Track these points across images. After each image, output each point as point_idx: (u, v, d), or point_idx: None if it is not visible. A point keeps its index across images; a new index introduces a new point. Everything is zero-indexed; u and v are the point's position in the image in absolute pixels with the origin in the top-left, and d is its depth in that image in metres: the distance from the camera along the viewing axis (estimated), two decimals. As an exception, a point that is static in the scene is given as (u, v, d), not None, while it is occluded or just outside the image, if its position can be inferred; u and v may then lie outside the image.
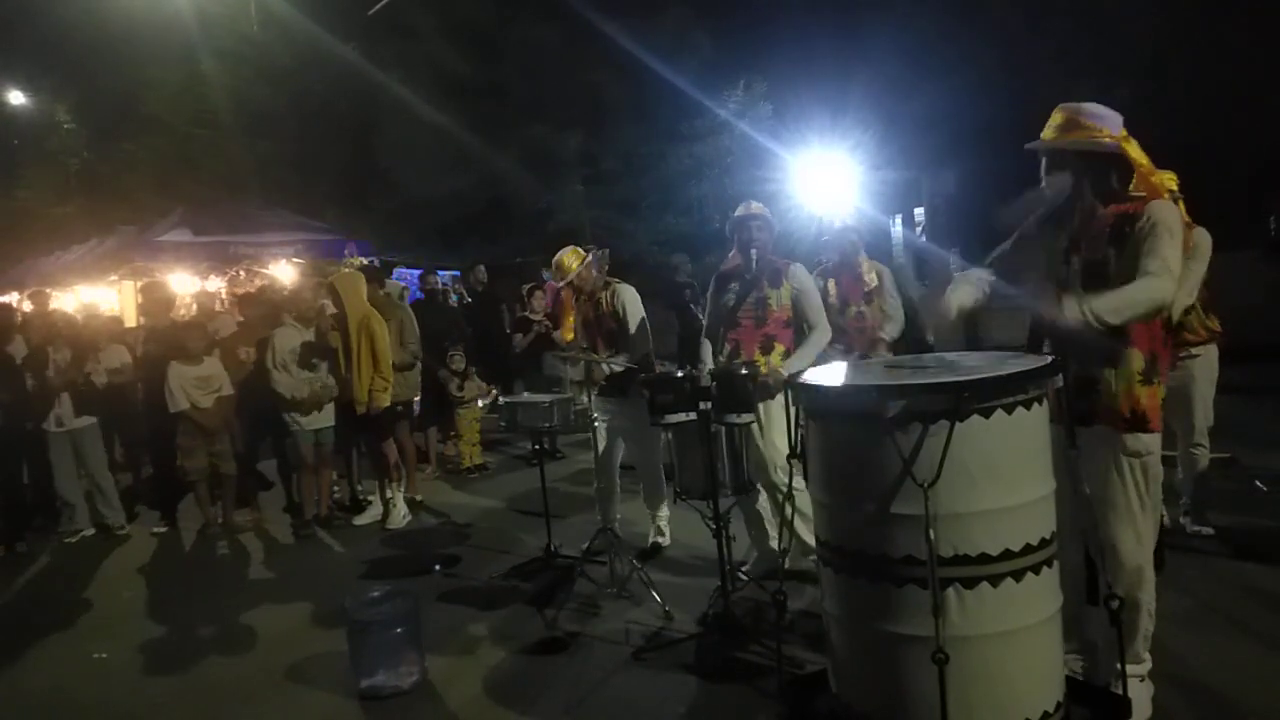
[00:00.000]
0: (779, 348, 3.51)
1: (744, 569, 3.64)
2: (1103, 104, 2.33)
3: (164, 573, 4.82)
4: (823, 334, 3.53)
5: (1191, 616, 2.90)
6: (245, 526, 5.46)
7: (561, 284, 4.20)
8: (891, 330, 4.43)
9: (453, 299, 8.96)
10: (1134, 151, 2.29)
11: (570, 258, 4.13)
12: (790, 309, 3.54)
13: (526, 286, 7.28)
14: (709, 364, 3.54)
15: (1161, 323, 2.26)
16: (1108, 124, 2.27)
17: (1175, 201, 3.44)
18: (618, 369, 3.88)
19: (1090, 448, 2.22)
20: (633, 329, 4.02)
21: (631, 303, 4.06)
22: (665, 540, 4.29)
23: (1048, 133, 2.33)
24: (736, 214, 3.62)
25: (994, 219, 2.36)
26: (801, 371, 2.47)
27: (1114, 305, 2.10)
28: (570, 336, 4.41)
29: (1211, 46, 8.75)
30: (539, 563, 4.10)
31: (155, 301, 5.82)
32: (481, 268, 8.18)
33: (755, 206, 3.62)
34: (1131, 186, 2.33)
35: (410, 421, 5.92)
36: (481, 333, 7.39)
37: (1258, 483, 4.33)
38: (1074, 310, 2.09)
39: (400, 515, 5.29)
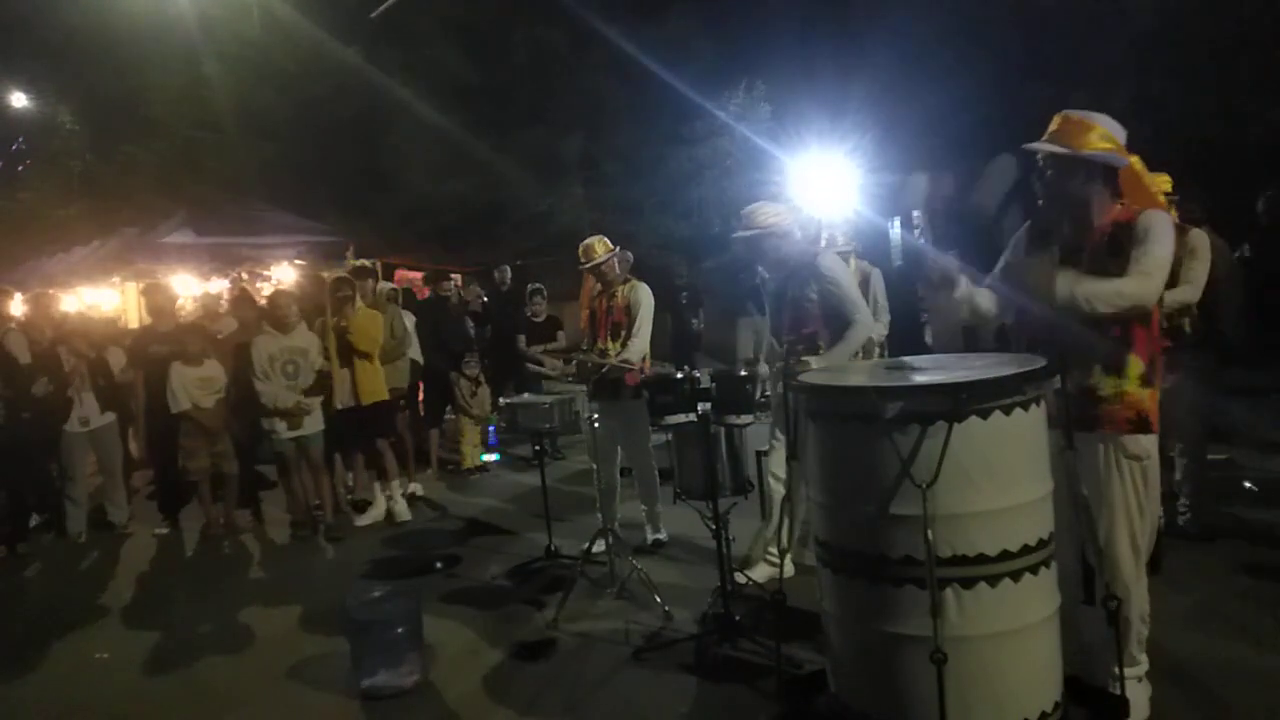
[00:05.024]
0: (824, 344, 3.44)
1: (771, 555, 3.60)
2: (1097, 108, 2.34)
3: (165, 573, 4.83)
4: (860, 329, 3.33)
5: (1189, 616, 2.91)
6: (247, 527, 5.47)
7: (585, 267, 4.24)
8: (878, 329, 4.54)
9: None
10: (1138, 164, 2.31)
11: (598, 245, 4.22)
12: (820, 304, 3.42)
13: (531, 287, 7.31)
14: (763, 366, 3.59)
15: (1158, 326, 2.28)
16: (1120, 137, 2.28)
17: (1170, 206, 3.49)
18: (610, 366, 3.91)
19: (1089, 450, 2.24)
20: (637, 327, 4.06)
21: (645, 301, 4.12)
22: (663, 536, 4.31)
23: (1066, 140, 2.26)
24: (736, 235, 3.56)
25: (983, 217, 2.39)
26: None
27: (1100, 293, 2.14)
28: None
29: (1208, 49, 8.78)
30: (539, 563, 4.11)
31: (161, 304, 5.85)
32: (507, 268, 8.24)
33: (755, 216, 3.47)
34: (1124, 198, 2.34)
35: (413, 417, 5.96)
36: (502, 332, 7.43)
37: (1246, 484, 4.35)
38: (1065, 289, 2.11)
39: (402, 511, 5.32)
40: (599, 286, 4.30)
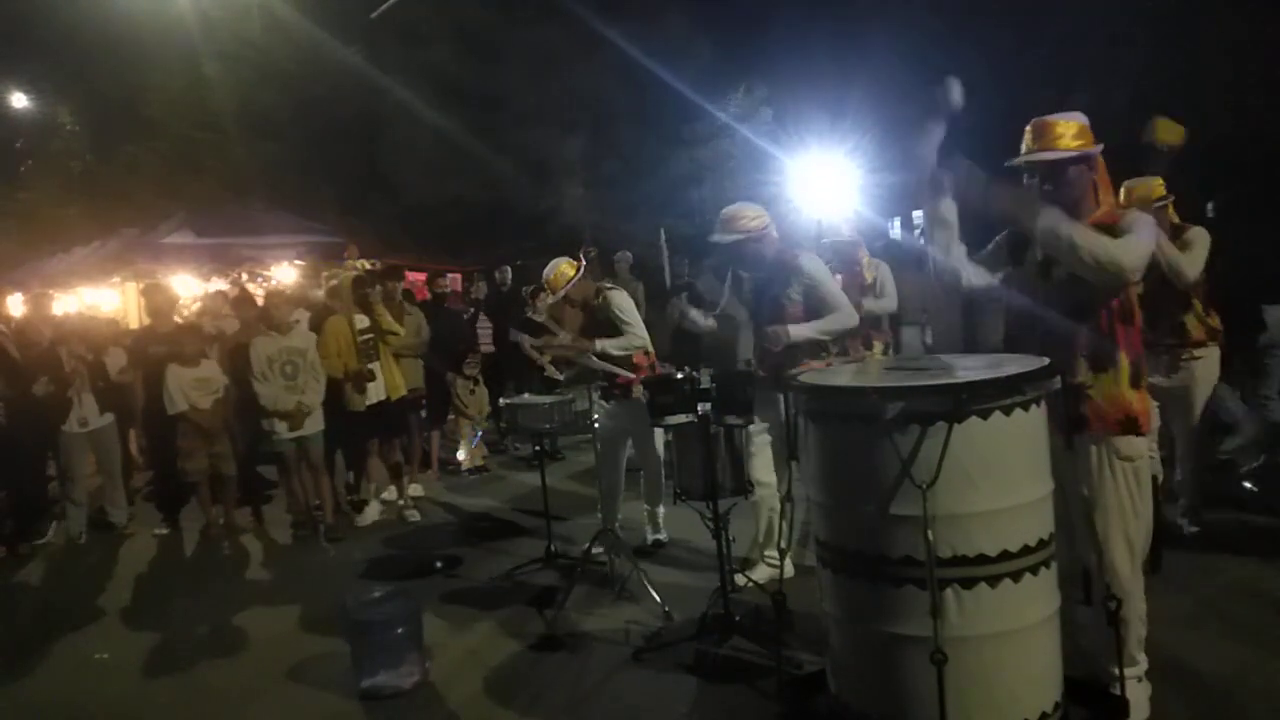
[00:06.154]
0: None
1: (769, 558, 3.58)
2: (1097, 109, 2.34)
3: (165, 573, 4.83)
4: (843, 315, 3.33)
5: (1189, 616, 2.91)
6: (247, 527, 5.48)
7: (553, 299, 4.16)
8: (885, 304, 4.65)
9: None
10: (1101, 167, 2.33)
11: (566, 269, 4.08)
12: (802, 304, 3.39)
13: (528, 288, 7.32)
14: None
15: (1139, 327, 2.28)
16: (1086, 125, 2.30)
17: (1165, 206, 3.49)
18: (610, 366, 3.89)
19: (1083, 452, 2.24)
20: (627, 329, 4.00)
21: (621, 304, 4.05)
22: (663, 537, 4.31)
23: (1046, 146, 2.26)
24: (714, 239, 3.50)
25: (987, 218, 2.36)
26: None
27: (1084, 237, 2.12)
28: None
29: (1203, 50, 8.80)
30: (539, 563, 4.11)
31: (161, 304, 5.87)
32: (507, 268, 8.25)
33: (734, 222, 3.42)
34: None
35: (417, 419, 5.98)
36: (503, 331, 7.46)
37: (1246, 484, 4.35)
38: (1051, 217, 2.11)
39: (411, 511, 5.34)
40: (575, 304, 4.18)
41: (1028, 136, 2.32)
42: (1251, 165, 7.32)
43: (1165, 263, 3.26)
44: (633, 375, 3.93)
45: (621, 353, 3.95)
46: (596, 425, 3.98)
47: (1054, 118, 2.29)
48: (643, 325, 4.11)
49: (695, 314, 3.70)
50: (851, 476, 2.13)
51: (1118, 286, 2.19)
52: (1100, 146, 2.29)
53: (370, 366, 5.20)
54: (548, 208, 13.91)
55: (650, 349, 4.12)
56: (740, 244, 3.44)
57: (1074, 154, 2.25)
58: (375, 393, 5.23)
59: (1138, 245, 2.15)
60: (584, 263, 4.18)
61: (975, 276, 2.37)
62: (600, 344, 3.92)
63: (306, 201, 12.13)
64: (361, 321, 5.24)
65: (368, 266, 7.99)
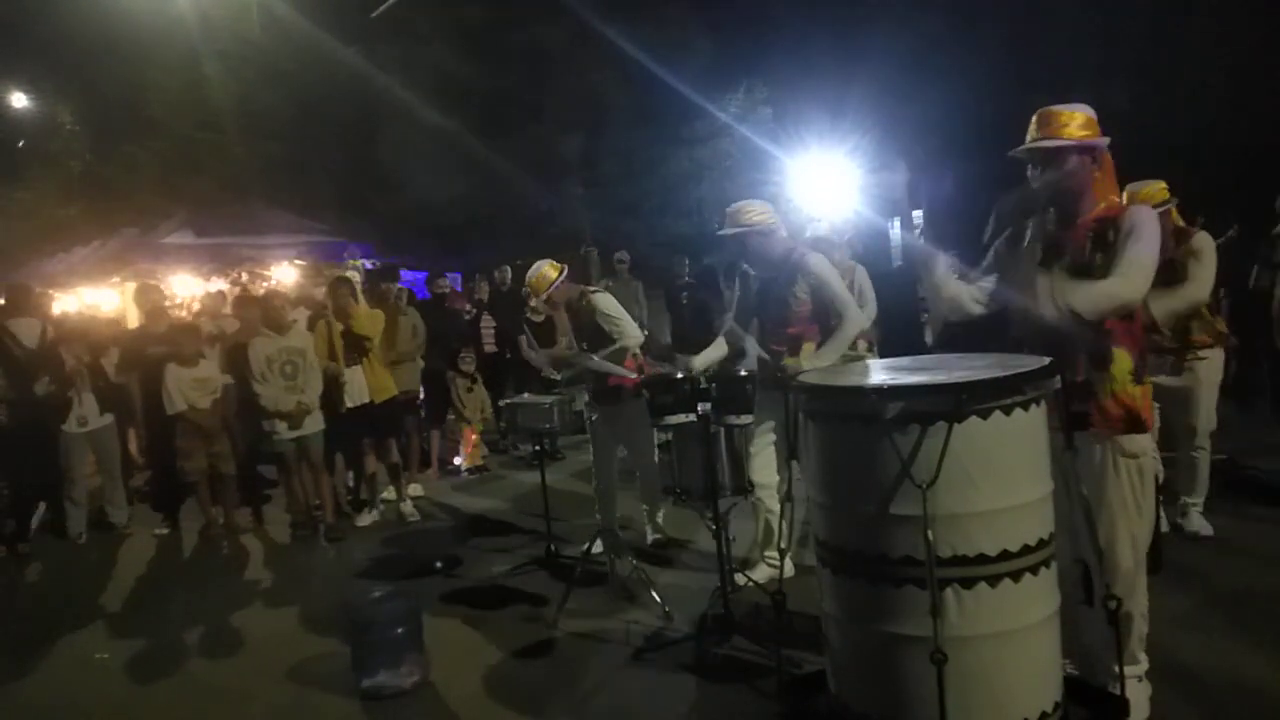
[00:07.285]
0: (807, 345, 3.40)
1: (769, 558, 3.57)
2: (1096, 108, 2.34)
3: (165, 573, 4.84)
4: (850, 325, 3.33)
5: (1190, 616, 2.91)
6: (247, 527, 5.48)
7: (538, 302, 4.18)
8: (869, 312, 4.57)
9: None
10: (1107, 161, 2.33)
11: (549, 271, 4.08)
12: (810, 303, 3.39)
13: (526, 289, 7.33)
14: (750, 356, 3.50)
15: (1141, 325, 2.28)
16: (1094, 118, 2.30)
17: (1169, 208, 3.49)
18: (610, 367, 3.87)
19: (1086, 450, 2.24)
20: (617, 329, 3.99)
21: (608, 306, 4.04)
22: (663, 537, 4.31)
23: (1050, 134, 2.26)
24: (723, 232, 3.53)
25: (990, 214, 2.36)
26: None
27: (1085, 298, 2.15)
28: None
29: (1201, 49, 8.80)
30: (539, 563, 4.11)
31: (154, 305, 5.86)
32: (507, 268, 8.25)
33: (740, 215, 3.45)
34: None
35: (416, 419, 5.98)
36: (504, 332, 7.47)
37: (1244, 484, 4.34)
38: (1049, 306, 2.13)
39: (410, 511, 5.33)
40: (560, 307, 4.19)
41: (1032, 126, 2.31)
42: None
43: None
44: (632, 375, 3.93)
45: (619, 347, 3.95)
46: (590, 427, 3.97)
47: (1059, 107, 2.29)
48: (631, 321, 4.10)
49: (694, 360, 3.55)
50: (851, 476, 2.13)
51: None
52: (1106, 140, 2.29)
53: (347, 370, 5.15)
54: (548, 208, 13.92)
55: (639, 348, 4.11)
56: (744, 237, 3.45)
57: (1074, 142, 2.25)
58: (359, 395, 5.20)
59: (1138, 267, 2.15)
60: (566, 268, 4.19)
61: (979, 304, 2.39)
62: (596, 360, 3.87)
63: (306, 201, 12.13)
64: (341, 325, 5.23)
65: (366, 266, 8.00)
